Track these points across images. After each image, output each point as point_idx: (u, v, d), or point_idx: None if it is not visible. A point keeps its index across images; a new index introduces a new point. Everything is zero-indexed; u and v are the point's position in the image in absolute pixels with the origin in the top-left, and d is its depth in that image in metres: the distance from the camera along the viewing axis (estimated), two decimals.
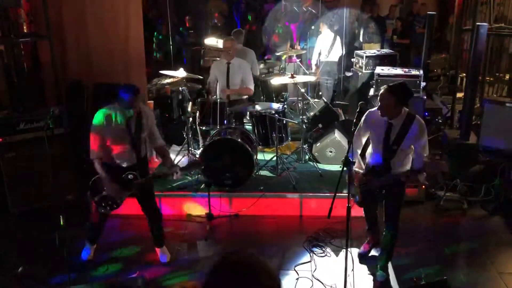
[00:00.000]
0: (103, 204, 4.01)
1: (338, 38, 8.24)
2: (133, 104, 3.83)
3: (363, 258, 4.35)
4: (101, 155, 3.91)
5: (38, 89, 6.17)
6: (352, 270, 3.76)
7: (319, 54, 8.25)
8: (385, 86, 3.72)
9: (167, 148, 6.48)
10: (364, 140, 3.99)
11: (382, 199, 4.01)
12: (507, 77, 7.42)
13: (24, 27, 6.03)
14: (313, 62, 8.43)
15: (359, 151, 4.01)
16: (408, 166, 3.81)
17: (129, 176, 3.97)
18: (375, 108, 3.82)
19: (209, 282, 1.46)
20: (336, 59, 8.27)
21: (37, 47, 6.18)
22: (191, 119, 5.80)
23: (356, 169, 3.99)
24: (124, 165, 3.97)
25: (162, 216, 4.37)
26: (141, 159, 4.05)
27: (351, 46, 9.04)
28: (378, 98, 3.73)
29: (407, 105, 3.75)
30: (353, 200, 3.98)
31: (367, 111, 3.88)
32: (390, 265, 4.22)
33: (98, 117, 3.88)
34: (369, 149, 3.98)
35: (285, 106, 5.87)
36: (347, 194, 3.43)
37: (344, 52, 8.24)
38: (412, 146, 3.74)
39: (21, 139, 5.12)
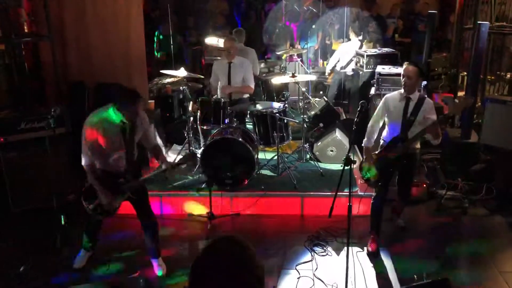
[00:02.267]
0: (98, 212, 3.88)
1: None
2: (137, 113, 3.71)
3: (374, 257, 4.35)
4: (94, 161, 3.76)
5: (39, 89, 6.18)
6: (353, 269, 3.77)
7: (338, 61, 8.11)
8: (406, 63, 4.37)
9: (169, 148, 6.52)
10: (381, 123, 4.47)
11: (396, 172, 4.49)
12: (508, 75, 7.40)
13: (25, 27, 6.04)
14: (328, 67, 8.30)
15: (376, 135, 4.47)
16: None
17: (121, 181, 3.84)
18: (392, 93, 4.49)
19: (197, 266, 1.48)
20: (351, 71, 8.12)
21: (38, 47, 6.18)
22: (192, 118, 5.80)
23: (372, 153, 4.42)
24: (117, 170, 3.84)
25: (158, 225, 4.18)
26: (133, 162, 3.91)
27: None
28: (403, 73, 4.30)
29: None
30: (367, 183, 4.55)
31: (385, 96, 4.47)
32: (391, 263, 4.23)
33: (92, 122, 3.69)
34: (384, 132, 4.51)
35: (286, 105, 5.87)
36: (348, 193, 3.43)
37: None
38: (424, 120, 4.26)
39: (22, 139, 5.12)
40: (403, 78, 4.30)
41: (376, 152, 4.43)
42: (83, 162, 3.78)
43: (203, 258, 1.49)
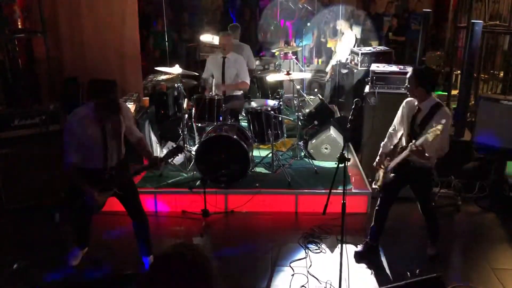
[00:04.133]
0: (84, 210, 3.81)
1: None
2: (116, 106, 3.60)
3: (360, 257, 4.33)
4: (77, 159, 3.64)
5: (33, 85, 6.14)
6: (347, 266, 3.78)
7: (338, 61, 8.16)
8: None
9: (163, 145, 6.51)
10: (399, 126, 4.16)
11: (404, 185, 4.19)
12: (502, 74, 7.44)
13: (19, 23, 6.00)
14: (329, 67, 8.31)
15: (395, 140, 4.19)
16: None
17: (106, 177, 3.75)
18: (411, 98, 4.06)
19: (153, 270, 1.59)
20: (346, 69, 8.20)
21: (32, 43, 6.14)
22: (186, 115, 5.79)
23: (385, 160, 4.17)
24: (102, 166, 3.75)
25: (148, 221, 4.10)
26: (120, 157, 3.84)
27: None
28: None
29: (433, 89, 3.99)
30: (374, 184, 4.35)
31: (405, 99, 4.11)
32: (384, 260, 4.25)
33: (73, 120, 3.62)
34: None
35: (281, 103, 5.88)
36: (342, 191, 3.45)
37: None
38: None
39: (16, 136, 5.09)
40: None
41: (388, 159, 4.17)
42: (65, 160, 3.65)
43: (160, 258, 1.64)
